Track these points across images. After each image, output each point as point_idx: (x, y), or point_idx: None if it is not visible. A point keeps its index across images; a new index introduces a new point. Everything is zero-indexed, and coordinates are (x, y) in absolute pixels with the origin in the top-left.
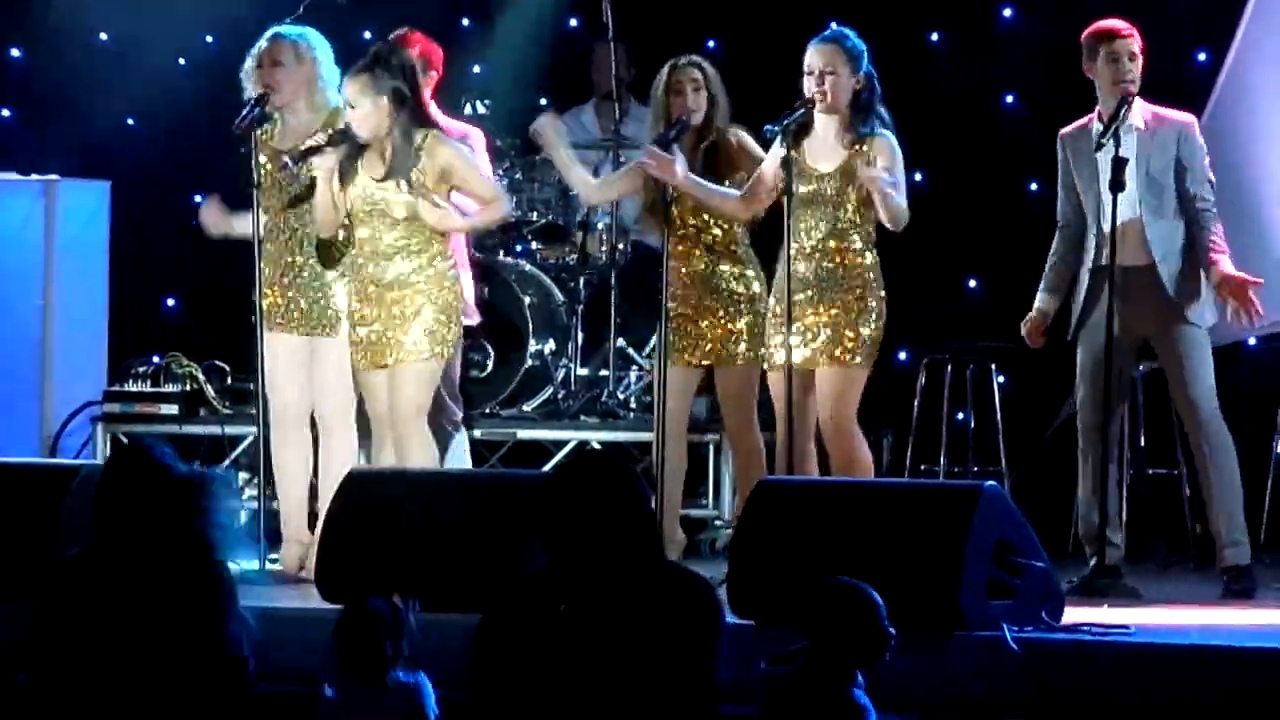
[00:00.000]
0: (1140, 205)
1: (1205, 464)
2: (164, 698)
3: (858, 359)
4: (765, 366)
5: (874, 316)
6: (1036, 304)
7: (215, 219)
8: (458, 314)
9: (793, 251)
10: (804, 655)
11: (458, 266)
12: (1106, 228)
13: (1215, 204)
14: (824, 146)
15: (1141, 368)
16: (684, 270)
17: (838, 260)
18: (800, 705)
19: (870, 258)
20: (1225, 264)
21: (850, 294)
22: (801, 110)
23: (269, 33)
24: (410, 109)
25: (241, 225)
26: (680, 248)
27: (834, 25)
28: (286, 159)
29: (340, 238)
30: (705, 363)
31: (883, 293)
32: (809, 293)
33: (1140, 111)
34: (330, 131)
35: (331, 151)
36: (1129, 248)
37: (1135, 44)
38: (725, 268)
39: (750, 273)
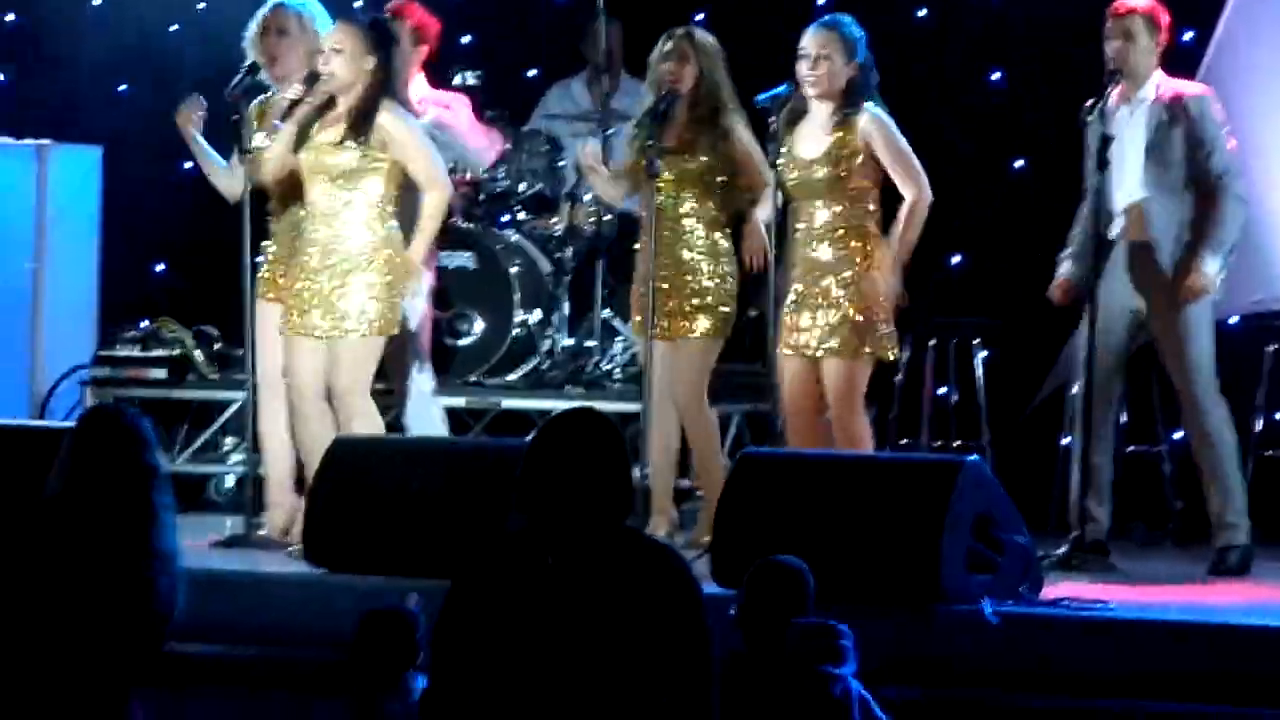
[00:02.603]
0: (1143, 182)
1: (1203, 445)
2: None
3: (865, 347)
4: (785, 351)
5: (882, 301)
6: (1060, 270)
7: (185, 122)
8: (404, 282)
9: (792, 234)
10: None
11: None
12: (1111, 204)
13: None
14: (813, 133)
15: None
16: (661, 243)
17: (838, 245)
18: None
19: (873, 242)
20: (1203, 263)
21: (854, 279)
22: (788, 87)
23: (272, 2)
24: (386, 80)
25: (205, 159)
26: (658, 220)
27: (829, 9)
28: (276, 121)
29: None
30: (668, 335)
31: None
32: (809, 277)
33: (1154, 86)
34: (305, 82)
35: (309, 102)
36: (1134, 223)
37: (1132, 22)
38: (697, 242)
39: (721, 250)
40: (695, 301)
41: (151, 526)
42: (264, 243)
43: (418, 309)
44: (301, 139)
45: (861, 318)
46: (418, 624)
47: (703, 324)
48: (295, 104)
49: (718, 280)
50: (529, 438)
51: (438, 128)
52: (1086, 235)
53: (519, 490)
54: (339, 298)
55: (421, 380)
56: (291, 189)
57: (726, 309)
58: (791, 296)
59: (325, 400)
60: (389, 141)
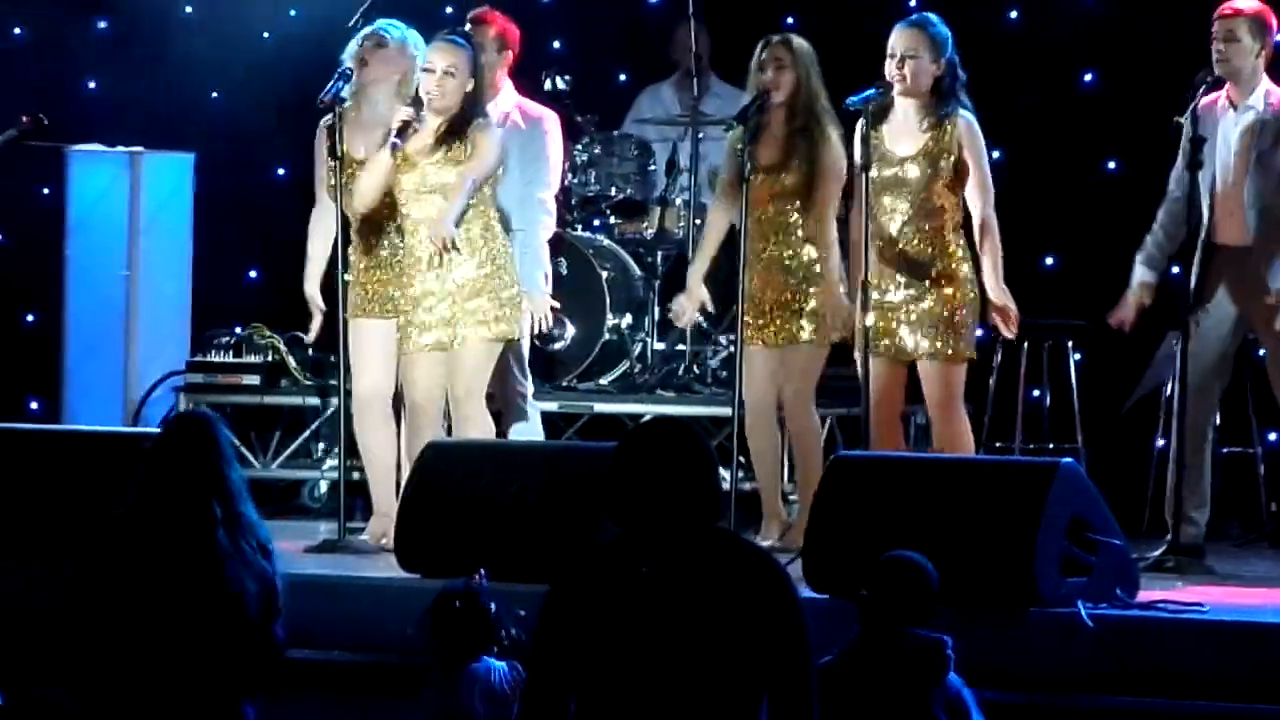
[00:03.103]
0: (1247, 186)
1: None
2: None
3: (962, 347)
4: (869, 352)
5: (971, 299)
6: (1135, 277)
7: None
8: (516, 289)
9: (872, 234)
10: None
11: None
12: (1203, 208)
13: None
14: (904, 130)
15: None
16: (760, 249)
17: (926, 245)
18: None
19: (959, 241)
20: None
21: (944, 279)
22: (878, 90)
23: (377, 24)
24: (479, 96)
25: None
26: (756, 228)
27: (919, 10)
28: (395, 140)
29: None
30: (777, 343)
31: (975, 274)
32: (899, 278)
33: (1264, 94)
34: (409, 104)
35: (417, 126)
36: (1232, 227)
37: (1237, 25)
38: (798, 250)
39: (825, 255)
40: (801, 307)
41: (218, 530)
42: (351, 257)
43: (524, 317)
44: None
45: (955, 318)
46: (490, 602)
47: (809, 329)
48: (405, 126)
49: (823, 286)
50: (614, 447)
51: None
52: (1165, 236)
53: (609, 502)
54: (458, 309)
55: (520, 384)
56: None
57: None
58: (876, 297)
59: (440, 414)
60: (473, 147)
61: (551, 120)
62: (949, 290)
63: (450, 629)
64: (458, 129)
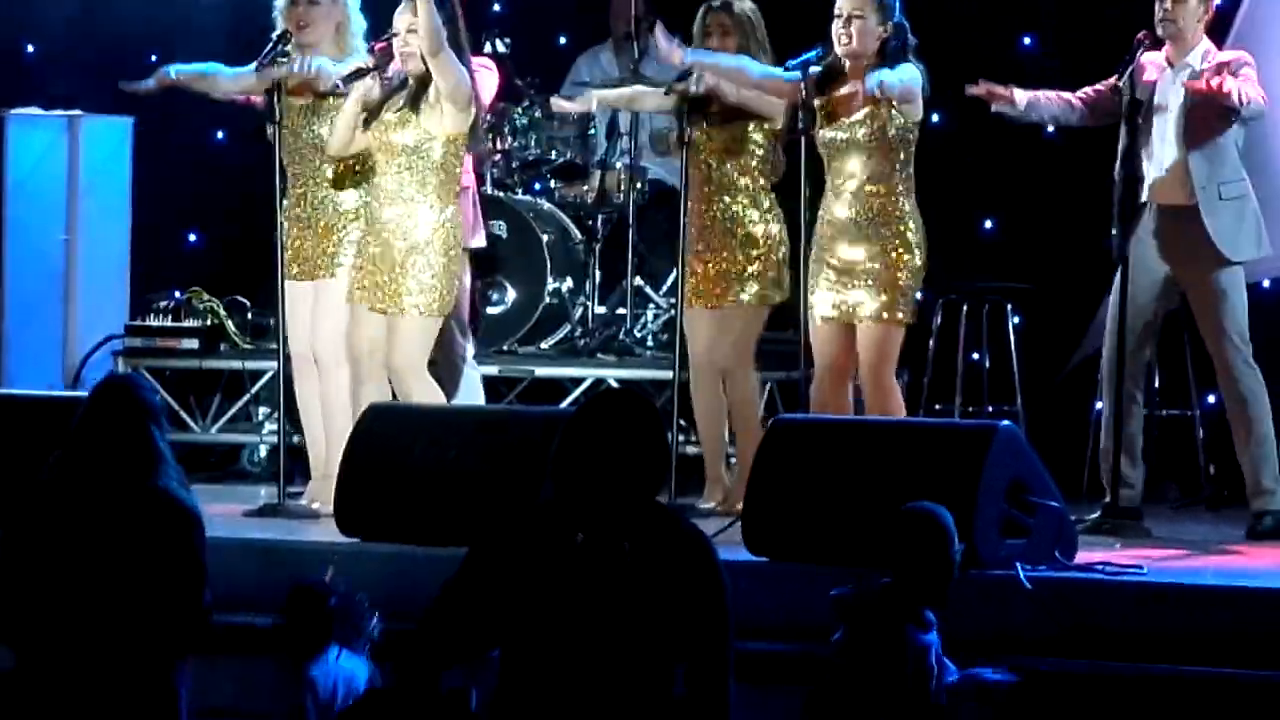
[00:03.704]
0: (1181, 143)
1: (1237, 410)
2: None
3: (900, 314)
4: (815, 319)
5: (917, 264)
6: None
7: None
8: (459, 261)
9: (830, 195)
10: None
11: (461, 197)
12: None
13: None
14: (853, 92)
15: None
16: (701, 210)
17: (877, 206)
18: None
19: (909, 205)
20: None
21: (891, 242)
22: (820, 50)
23: None
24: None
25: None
26: (698, 189)
27: None
28: (337, 82)
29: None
30: (715, 304)
31: (923, 238)
32: (848, 237)
33: (1201, 54)
34: (374, 55)
35: (375, 78)
36: (1171, 186)
37: None
38: (741, 209)
39: (768, 215)
40: (743, 269)
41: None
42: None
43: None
44: (371, 119)
45: (899, 280)
46: (332, 598)
47: (751, 290)
48: (359, 73)
49: (765, 249)
50: (569, 411)
51: None
52: (1072, 106)
53: (555, 464)
54: (401, 275)
55: (461, 348)
56: (301, 164)
57: (774, 274)
58: (827, 259)
59: (383, 367)
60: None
61: (489, 69)
62: (894, 254)
63: (293, 624)
64: (425, 86)
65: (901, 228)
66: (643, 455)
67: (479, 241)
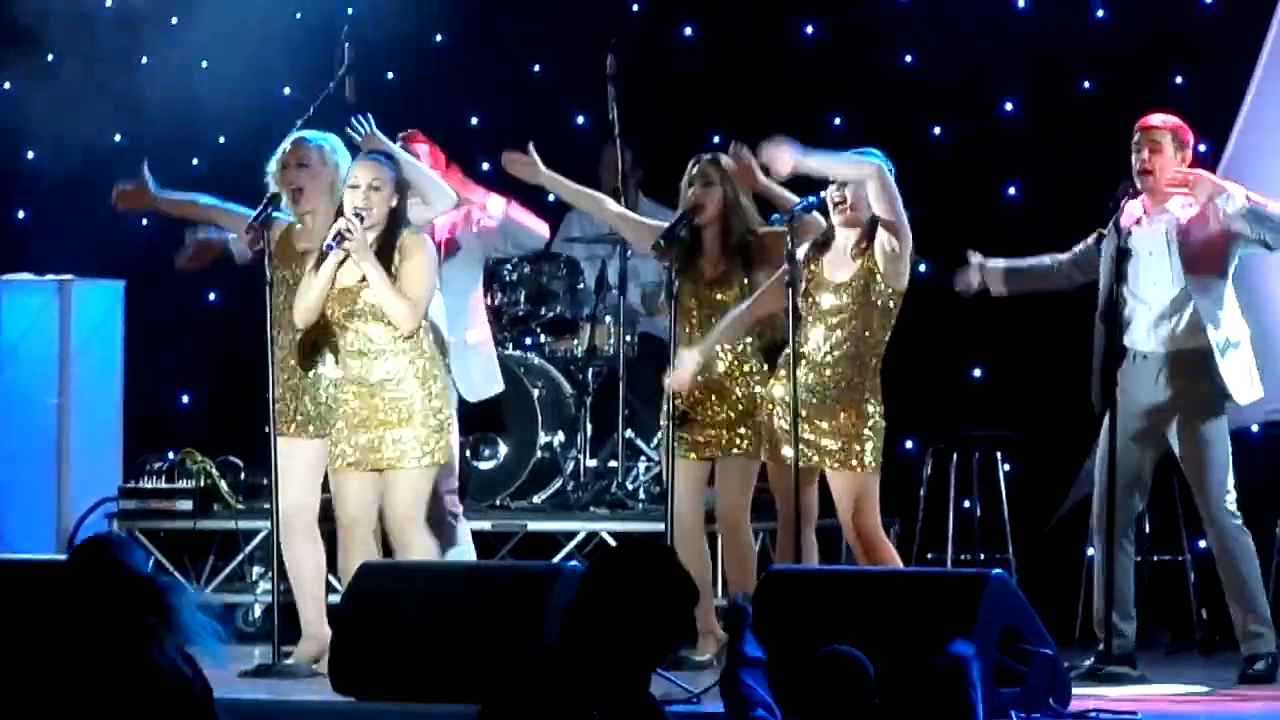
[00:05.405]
0: (1176, 287)
1: (1222, 556)
2: None
3: (869, 463)
4: (766, 459)
5: (878, 424)
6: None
7: (133, 200)
8: (448, 410)
9: (804, 358)
10: None
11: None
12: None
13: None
14: (841, 257)
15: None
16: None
17: (848, 374)
18: None
19: (875, 371)
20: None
21: (856, 406)
22: (820, 199)
23: (293, 136)
24: (403, 211)
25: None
26: (687, 340)
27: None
28: (329, 244)
29: (324, 336)
30: (708, 456)
31: (881, 399)
32: (815, 402)
33: (1179, 202)
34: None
35: (355, 238)
36: (1154, 332)
37: (1161, 136)
38: (730, 363)
39: (753, 369)
40: (735, 420)
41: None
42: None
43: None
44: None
45: (861, 433)
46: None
47: (744, 442)
48: (342, 238)
49: (752, 400)
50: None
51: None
52: (1047, 269)
53: (574, 614)
54: (396, 429)
55: (450, 503)
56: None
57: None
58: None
59: (371, 531)
60: (404, 256)
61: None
62: (860, 415)
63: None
64: (387, 245)
65: (866, 394)
66: (668, 607)
67: (497, 387)
